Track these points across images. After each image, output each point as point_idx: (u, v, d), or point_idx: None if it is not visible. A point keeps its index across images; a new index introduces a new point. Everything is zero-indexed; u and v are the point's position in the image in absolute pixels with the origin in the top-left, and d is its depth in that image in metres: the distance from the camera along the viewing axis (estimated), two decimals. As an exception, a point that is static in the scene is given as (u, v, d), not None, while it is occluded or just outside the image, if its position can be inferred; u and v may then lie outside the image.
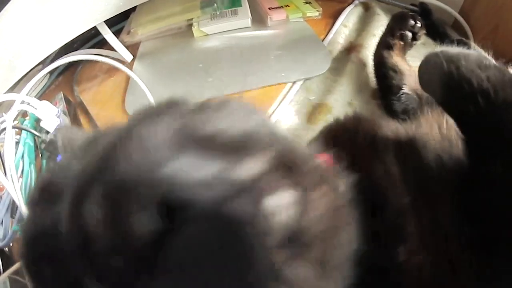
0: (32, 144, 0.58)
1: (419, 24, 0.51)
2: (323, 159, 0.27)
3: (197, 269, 0.13)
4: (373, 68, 0.51)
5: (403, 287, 0.20)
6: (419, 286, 0.20)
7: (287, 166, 0.14)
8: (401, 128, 0.31)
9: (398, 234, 0.21)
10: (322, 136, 0.32)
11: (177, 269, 0.13)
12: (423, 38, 0.59)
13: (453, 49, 0.25)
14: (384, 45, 0.51)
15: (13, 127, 0.50)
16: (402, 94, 0.45)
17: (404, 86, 0.46)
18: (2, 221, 0.57)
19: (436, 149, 0.25)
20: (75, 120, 0.59)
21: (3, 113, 0.62)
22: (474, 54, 0.23)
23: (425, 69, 0.28)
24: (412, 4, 0.60)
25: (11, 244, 0.56)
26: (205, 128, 0.15)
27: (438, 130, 0.29)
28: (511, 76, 0.21)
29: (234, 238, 0.13)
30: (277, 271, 0.13)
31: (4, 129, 0.55)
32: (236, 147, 0.14)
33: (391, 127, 0.30)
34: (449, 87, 0.23)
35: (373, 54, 0.51)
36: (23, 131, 0.57)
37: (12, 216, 0.56)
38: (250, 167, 0.14)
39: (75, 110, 0.59)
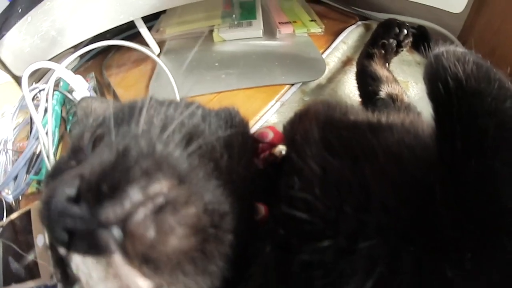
0: (59, 112, 0.66)
1: (404, 32, 0.55)
2: (271, 131, 0.31)
3: None
4: (355, 75, 0.56)
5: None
6: None
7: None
8: (369, 114, 0.32)
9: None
10: (293, 115, 0.34)
11: None
12: (419, 58, 0.64)
13: (445, 47, 0.24)
14: (365, 54, 0.56)
15: (54, 90, 0.58)
16: (377, 99, 0.49)
17: (380, 92, 0.50)
18: (17, 176, 0.64)
19: (401, 131, 0.25)
20: (102, 97, 0.67)
21: (33, 82, 0.70)
22: (459, 50, 0.23)
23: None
24: (411, 27, 0.63)
25: (20, 198, 0.62)
26: None
27: (407, 122, 0.29)
28: (488, 71, 0.21)
29: None
30: None
31: (37, 94, 0.63)
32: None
33: (357, 111, 0.32)
34: (429, 75, 0.23)
35: (354, 60, 0.56)
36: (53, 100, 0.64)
37: (27, 172, 0.62)
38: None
39: (103, 90, 0.68)
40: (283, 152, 0.31)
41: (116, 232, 0.18)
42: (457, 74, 0.20)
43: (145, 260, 0.19)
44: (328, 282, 0.19)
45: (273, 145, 0.32)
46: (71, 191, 0.19)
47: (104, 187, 0.19)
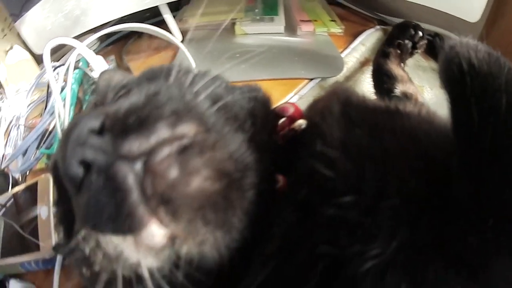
0: (76, 91, 0.66)
1: (419, 34, 0.56)
2: (292, 106, 0.32)
3: None
4: (371, 73, 0.57)
5: None
6: None
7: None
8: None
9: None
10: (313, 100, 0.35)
11: None
12: (434, 64, 0.65)
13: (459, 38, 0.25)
14: (381, 53, 0.56)
15: (75, 67, 0.57)
16: (392, 97, 0.49)
17: (395, 89, 0.51)
18: (27, 150, 0.62)
19: (417, 117, 0.26)
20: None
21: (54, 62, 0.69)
22: (472, 41, 0.23)
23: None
24: (428, 35, 0.65)
25: (27, 173, 0.61)
26: None
27: (424, 112, 0.29)
28: (498, 58, 0.21)
29: None
30: None
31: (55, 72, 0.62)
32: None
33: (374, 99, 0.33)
34: (444, 61, 0.23)
35: (372, 61, 0.57)
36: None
37: (37, 148, 0.61)
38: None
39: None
40: (303, 126, 0.31)
41: (138, 166, 0.17)
42: (470, 59, 0.21)
43: (164, 201, 0.17)
44: (353, 241, 0.18)
45: (293, 119, 0.32)
46: (95, 123, 0.18)
47: (131, 120, 0.18)
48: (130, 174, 0.17)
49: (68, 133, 0.18)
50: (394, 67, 0.56)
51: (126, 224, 0.17)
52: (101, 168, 0.17)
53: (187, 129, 0.19)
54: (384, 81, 0.53)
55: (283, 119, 0.31)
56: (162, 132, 0.18)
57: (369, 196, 0.19)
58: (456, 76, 0.21)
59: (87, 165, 0.17)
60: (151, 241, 0.18)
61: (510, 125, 0.18)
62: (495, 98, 0.19)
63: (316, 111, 0.29)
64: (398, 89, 0.52)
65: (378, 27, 0.68)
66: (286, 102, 0.33)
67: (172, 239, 0.19)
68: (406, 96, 0.51)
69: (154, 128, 0.18)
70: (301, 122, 0.31)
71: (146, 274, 0.18)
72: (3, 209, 0.56)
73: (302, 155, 0.24)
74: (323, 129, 0.24)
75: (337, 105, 0.26)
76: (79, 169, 0.17)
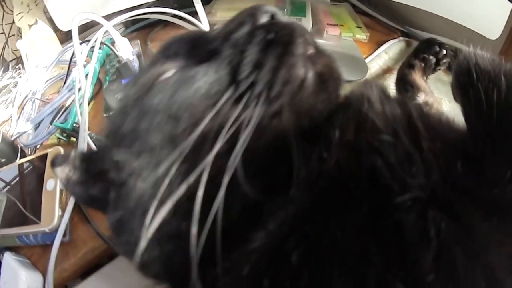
0: (98, 70, 0.63)
1: (444, 52, 0.57)
2: None
3: None
4: (396, 81, 0.57)
5: None
6: None
7: None
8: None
9: None
10: None
11: None
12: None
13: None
14: (407, 64, 0.57)
15: (102, 43, 0.55)
16: None
17: (417, 98, 0.51)
18: (39, 124, 0.59)
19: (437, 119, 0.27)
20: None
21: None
22: (479, 50, 0.26)
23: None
24: (450, 50, 0.65)
25: (37, 146, 0.58)
26: None
27: (444, 117, 0.29)
28: (501, 63, 0.24)
29: None
30: None
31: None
32: None
33: None
34: (456, 65, 0.26)
35: (396, 71, 0.58)
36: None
37: (50, 123, 0.58)
38: None
39: (146, 58, 0.65)
40: None
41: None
42: (477, 60, 0.24)
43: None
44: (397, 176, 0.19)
45: None
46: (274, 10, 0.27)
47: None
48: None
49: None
50: (417, 78, 0.57)
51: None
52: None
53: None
54: (407, 89, 0.54)
55: None
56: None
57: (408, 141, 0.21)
58: (465, 72, 0.24)
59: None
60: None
61: (510, 102, 0.21)
62: (497, 83, 0.22)
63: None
64: (420, 99, 0.52)
65: (401, 38, 0.68)
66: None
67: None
68: (427, 105, 0.51)
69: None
70: None
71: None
72: (8, 187, 0.52)
73: None
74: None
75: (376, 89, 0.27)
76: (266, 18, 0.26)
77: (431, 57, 0.58)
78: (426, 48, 0.59)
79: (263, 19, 0.26)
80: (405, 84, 0.55)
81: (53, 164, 0.29)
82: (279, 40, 0.24)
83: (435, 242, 0.17)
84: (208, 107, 0.22)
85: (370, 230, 0.18)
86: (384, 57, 0.64)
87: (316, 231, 0.19)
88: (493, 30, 0.58)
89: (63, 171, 0.29)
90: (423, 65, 0.58)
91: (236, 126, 0.21)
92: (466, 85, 0.24)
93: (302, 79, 0.23)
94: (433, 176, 0.19)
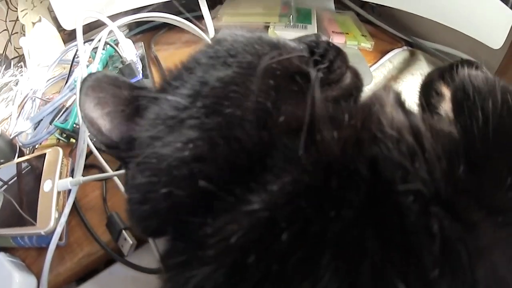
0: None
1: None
2: None
3: None
4: (420, 85, 0.56)
5: None
6: None
7: None
8: None
9: None
10: None
11: None
12: None
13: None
14: (439, 72, 0.56)
15: (105, 43, 0.54)
16: (436, 113, 0.49)
17: (440, 107, 0.50)
18: (39, 123, 0.57)
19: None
20: (147, 68, 0.63)
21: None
22: (473, 71, 0.28)
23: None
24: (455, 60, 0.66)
25: (36, 146, 0.56)
26: None
27: None
28: (494, 79, 0.26)
29: None
30: None
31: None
32: None
33: None
34: (454, 85, 0.28)
35: (426, 74, 0.56)
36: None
37: (50, 123, 0.56)
38: None
39: (149, 61, 0.64)
40: None
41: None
42: (471, 81, 0.25)
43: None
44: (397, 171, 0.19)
45: None
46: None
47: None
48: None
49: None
50: (444, 88, 0.55)
51: None
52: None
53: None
54: (432, 95, 0.53)
55: None
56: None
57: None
58: (461, 89, 0.26)
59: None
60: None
61: (503, 114, 0.22)
62: (492, 98, 0.23)
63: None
64: (443, 108, 0.51)
65: (405, 47, 0.67)
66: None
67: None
68: (448, 117, 0.50)
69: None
70: None
71: None
72: (5, 186, 0.50)
73: None
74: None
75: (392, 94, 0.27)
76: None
77: None
78: (462, 65, 0.59)
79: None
80: (430, 90, 0.54)
81: (84, 84, 0.27)
82: (335, 47, 0.32)
83: (439, 237, 0.16)
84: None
85: (368, 217, 0.18)
86: (388, 66, 0.63)
87: (311, 207, 0.18)
88: (496, 40, 0.57)
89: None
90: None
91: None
92: (461, 97, 0.25)
93: (343, 73, 0.31)
94: (435, 174, 0.19)
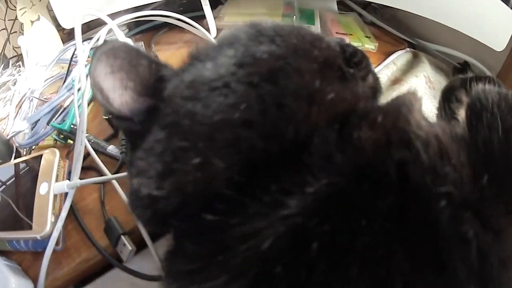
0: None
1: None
2: None
3: None
4: (442, 89, 0.55)
5: None
6: None
7: None
8: None
9: None
10: None
11: None
12: None
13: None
14: (461, 80, 0.55)
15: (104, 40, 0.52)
16: (453, 118, 0.48)
17: (458, 113, 0.50)
18: (36, 123, 0.56)
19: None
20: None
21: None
22: (487, 87, 0.28)
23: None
24: (458, 63, 0.65)
25: (33, 147, 0.54)
26: None
27: None
28: (507, 94, 0.26)
29: None
30: None
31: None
32: None
33: None
34: (469, 99, 0.28)
35: (449, 79, 0.56)
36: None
37: (48, 123, 0.54)
38: None
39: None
40: None
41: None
42: (486, 96, 0.25)
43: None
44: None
45: None
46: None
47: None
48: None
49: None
50: (464, 96, 0.55)
51: None
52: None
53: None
54: (452, 100, 0.53)
55: None
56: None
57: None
58: (475, 109, 0.25)
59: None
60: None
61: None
62: (502, 112, 0.23)
63: None
64: (461, 114, 0.50)
65: (408, 49, 0.66)
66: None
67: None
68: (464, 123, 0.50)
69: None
70: None
71: None
72: (3, 186, 0.48)
73: None
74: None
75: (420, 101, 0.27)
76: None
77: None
78: (485, 81, 0.58)
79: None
80: (451, 95, 0.54)
81: (99, 49, 0.25)
82: (360, 49, 0.31)
83: (475, 245, 0.16)
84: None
85: (397, 226, 0.17)
86: (392, 67, 0.62)
87: (342, 215, 0.18)
88: (499, 42, 0.57)
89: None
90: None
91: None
92: (476, 111, 0.25)
93: (368, 72, 0.30)
94: (464, 178, 0.18)
